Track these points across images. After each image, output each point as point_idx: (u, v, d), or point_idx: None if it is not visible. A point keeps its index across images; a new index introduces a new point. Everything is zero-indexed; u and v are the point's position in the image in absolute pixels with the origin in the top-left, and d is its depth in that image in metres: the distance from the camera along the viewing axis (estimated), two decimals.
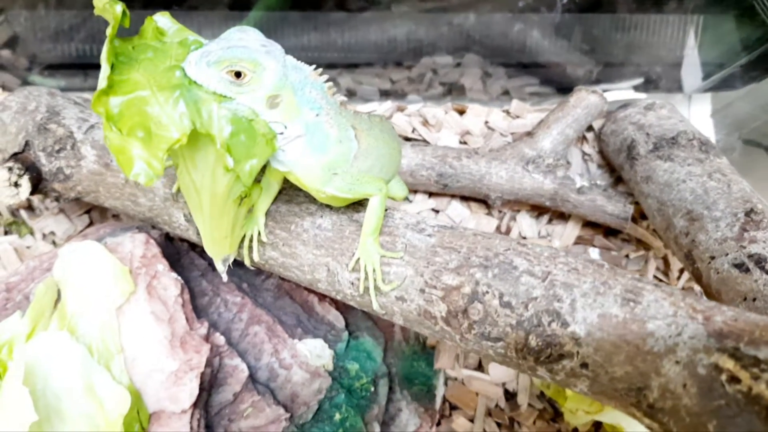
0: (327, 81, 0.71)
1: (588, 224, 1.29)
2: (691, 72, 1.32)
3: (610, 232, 1.29)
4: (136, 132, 0.61)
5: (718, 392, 0.54)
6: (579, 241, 1.29)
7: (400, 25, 1.27)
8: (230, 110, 0.63)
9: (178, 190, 0.87)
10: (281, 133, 0.67)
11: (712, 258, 0.94)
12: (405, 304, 0.73)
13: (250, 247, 0.83)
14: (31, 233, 1.15)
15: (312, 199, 0.81)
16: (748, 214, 0.94)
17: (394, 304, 0.73)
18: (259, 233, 0.81)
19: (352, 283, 0.76)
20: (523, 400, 1.18)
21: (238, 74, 0.62)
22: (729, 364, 0.54)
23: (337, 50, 1.27)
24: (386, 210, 0.79)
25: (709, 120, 1.36)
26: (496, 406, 1.18)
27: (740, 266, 0.89)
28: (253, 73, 0.63)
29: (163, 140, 0.61)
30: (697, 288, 1.16)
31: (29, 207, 1.16)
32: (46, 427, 0.78)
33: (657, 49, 1.29)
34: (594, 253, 1.28)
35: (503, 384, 1.18)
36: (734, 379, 0.53)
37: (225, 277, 0.83)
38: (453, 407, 1.17)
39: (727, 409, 0.53)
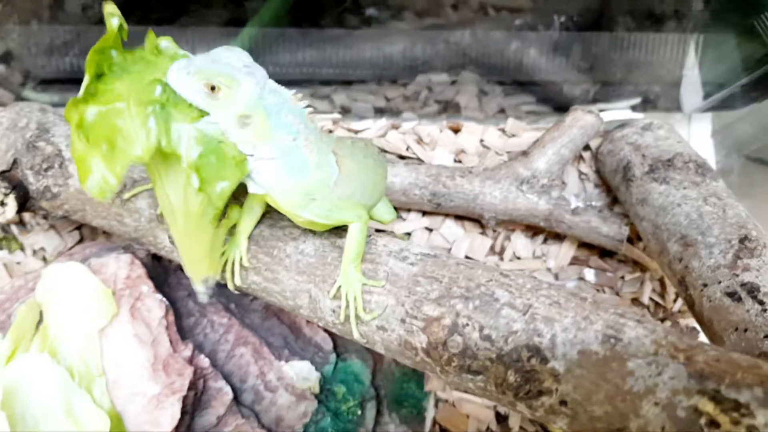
0: (307, 107, 0.70)
1: (583, 245, 1.27)
2: (691, 92, 1.31)
3: (605, 253, 1.28)
4: (100, 144, 0.61)
5: None
6: (574, 261, 1.27)
7: (395, 42, 1.26)
8: (200, 131, 0.63)
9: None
10: (251, 155, 0.66)
11: (705, 285, 0.92)
12: (386, 334, 0.71)
13: (233, 271, 0.82)
14: (22, 249, 1.14)
15: (295, 224, 0.80)
16: (742, 241, 0.93)
17: (375, 333, 0.72)
18: (241, 258, 0.81)
19: (333, 311, 0.75)
20: (514, 423, 1.17)
21: (213, 88, 0.63)
22: (709, 407, 0.53)
23: (332, 67, 1.26)
24: (369, 236, 0.78)
25: (709, 140, 1.34)
26: (488, 429, 1.16)
27: (732, 295, 0.87)
28: (228, 89, 0.63)
29: (125, 156, 0.61)
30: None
31: (20, 222, 1.16)
32: None
33: (656, 69, 1.28)
34: (589, 274, 1.27)
35: (495, 407, 1.17)
36: (714, 424, 0.52)
37: (205, 299, 0.82)
38: (443, 430, 1.15)
39: None
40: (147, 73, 0.64)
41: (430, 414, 1.14)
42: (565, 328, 0.62)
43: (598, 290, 1.27)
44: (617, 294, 1.25)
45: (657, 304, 1.26)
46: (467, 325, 0.66)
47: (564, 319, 0.63)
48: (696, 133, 1.35)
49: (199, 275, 0.79)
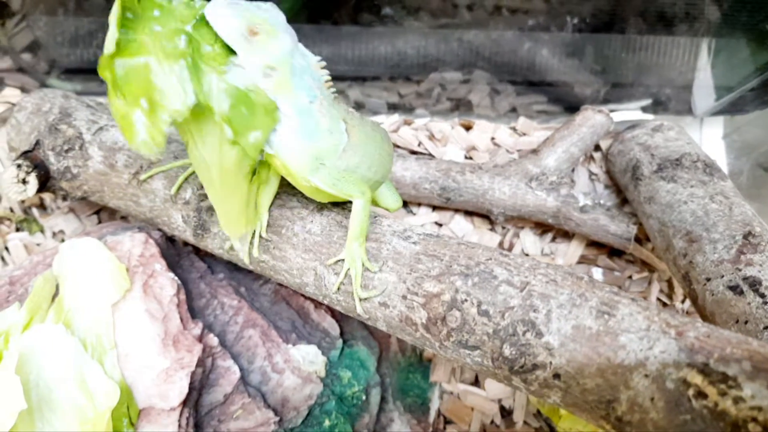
0: (327, 75, 0.73)
1: (592, 244, 1.28)
2: (702, 95, 1.32)
3: (614, 252, 1.29)
4: (139, 100, 0.61)
5: (685, 407, 0.54)
6: (582, 260, 1.28)
7: (410, 40, 1.29)
8: (229, 83, 0.64)
9: (177, 191, 0.89)
10: None
11: (708, 280, 0.93)
12: (387, 310, 0.73)
13: (252, 243, 0.84)
14: (42, 231, 1.18)
15: (304, 204, 0.82)
16: (746, 236, 0.94)
17: (377, 309, 0.74)
18: (261, 231, 0.82)
19: (339, 288, 0.77)
20: (518, 417, 1.18)
21: (253, 31, 0.64)
22: (697, 379, 0.54)
23: (347, 63, 1.29)
24: (375, 217, 0.80)
25: (720, 143, 1.35)
26: (492, 422, 1.17)
27: (734, 288, 0.88)
28: (266, 36, 0.65)
29: (166, 111, 0.61)
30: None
31: (41, 205, 1.19)
32: (37, 417, 0.80)
33: (667, 71, 1.29)
34: (597, 273, 1.28)
35: (499, 400, 1.18)
36: (701, 395, 0.53)
37: (246, 259, 0.83)
38: (447, 421, 1.16)
39: (692, 424, 0.53)
40: (164, 21, 0.64)
41: (434, 405, 1.15)
42: (561, 305, 0.64)
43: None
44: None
45: (664, 304, 1.26)
46: (466, 300, 0.67)
47: (560, 296, 0.64)
48: (707, 136, 1.35)
49: (237, 232, 0.79)
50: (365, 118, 0.83)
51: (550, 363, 0.62)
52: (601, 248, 1.29)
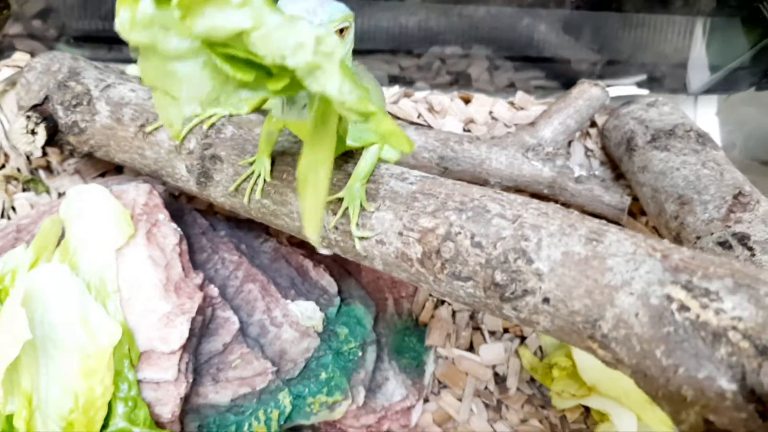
0: None
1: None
2: (697, 72, 1.34)
3: None
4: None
5: (668, 320, 0.56)
6: None
7: (411, 14, 1.32)
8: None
9: (182, 141, 0.91)
10: None
11: (698, 238, 0.95)
12: (384, 247, 0.76)
13: (253, 188, 0.86)
14: (47, 192, 1.20)
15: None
16: (735, 197, 0.96)
17: (375, 247, 0.77)
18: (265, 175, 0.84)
19: (336, 228, 0.79)
20: (512, 383, 1.19)
21: (341, 31, 0.61)
22: (680, 294, 0.56)
23: None
24: None
25: (713, 120, 1.38)
26: (486, 388, 1.19)
27: (724, 244, 0.90)
28: (351, 26, 0.63)
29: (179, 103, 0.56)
30: None
31: (47, 167, 1.22)
32: (41, 353, 0.82)
33: (662, 49, 1.32)
34: None
35: (493, 366, 1.20)
36: (684, 308, 0.55)
37: (326, 251, 0.83)
38: (442, 385, 1.18)
39: (675, 335, 0.55)
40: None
41: (429, 368, 1.17)
42: (551, 234, 0.66)
43: None
44: None
45: None
46: (459, 233, 0.70)
47: (550, 226, 0.67)
48: (701, 113, 1.38)
49: (317, 229, 0.73)
50: (359, 65, 0.85)
51: (540, 288, 0.64)
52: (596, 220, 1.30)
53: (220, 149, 0.90)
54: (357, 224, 0.76)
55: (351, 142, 0.75)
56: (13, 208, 1.18)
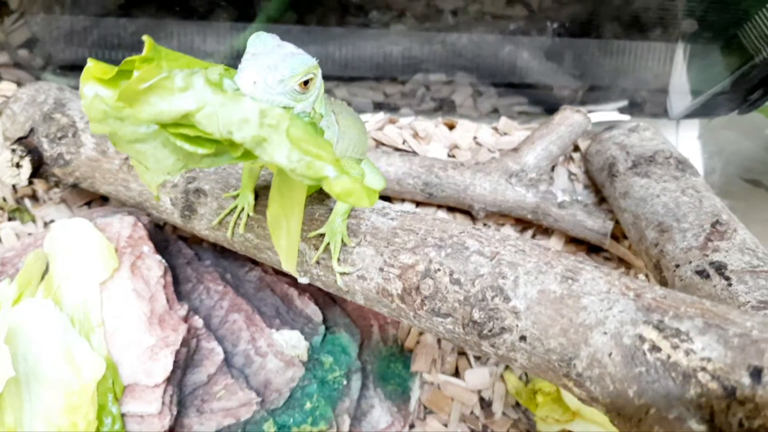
0: None
1: (571, 241, 1.32)
2: (677, 98, 1.36)
3: (592, 249, 1.32)
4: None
5: (640, 360, 0.57)
6: None
7: (396, 42, 1.33)
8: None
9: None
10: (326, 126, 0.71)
11: (677, 266, 0.96)
12: (365, 283, 0.76)
13: (237, 221, 0.86)
14: (33, 221, 1.20)
15: None
16: (713, 225, 0.97)
17: (356, 282, 0.77)
18: (248, 210, 0.85)
19: (318, 263, 0.80)
20: (497, 408, 1.20)
21: (306, 83, 0.61)
22: (652, 334, 0.58)
23: (334, 63, 1.33)
24: None
25: (696, 145, 1.40)
26: (471, 413, 1.20)
27: (701, 273, 0.92)
28: (315, 77, 0.62)
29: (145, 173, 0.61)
30: None
31: (33, 196, 1.22)
32: (24, 388, 0.83)
33: (643, 75, 1.34)
34: None
35: (479, 391, 1.20)
36: (655, 348, 0.57)
37: (306, 280, 0.83)
38: (428, 411, 1.19)
39: (646, 375, 0.56)
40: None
41: (415, 394, 1.17)
42: (528, 271, 0.67)
43: None
44: None
45: None
46: (438, 270, 0.71)
47: (527, 264, 0.68)
48: (683, 138, 1.40)
49: (294, 263, 0.73)
50: (338, 101, 0.86)
51: (517, 326, 0.65)
52: (580, 245, 1.32)
53: (204, 183, 0.90)
54: (338, 259, 0.77)
55: None
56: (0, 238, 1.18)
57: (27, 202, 1.22)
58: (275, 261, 0.87)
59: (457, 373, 1.21)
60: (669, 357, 0.55)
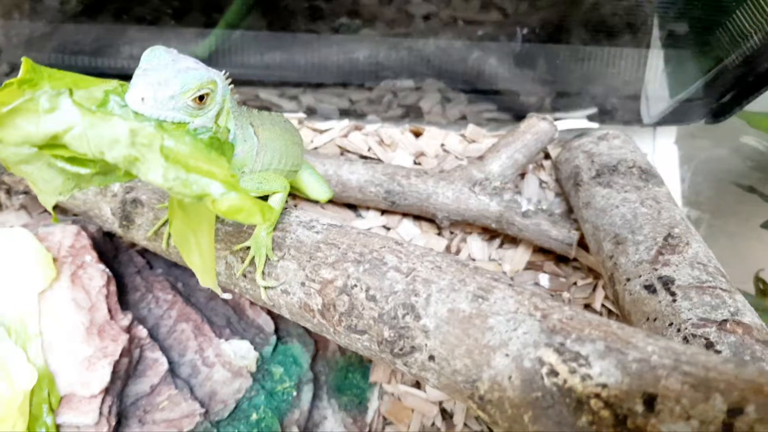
0: (230, 82, 0.73)
1: (539, 250, 1.29)
2: (650, 104, 1.33)
3: (561, 259, 1.30)
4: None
5: (537, 384, 0.55)
6: (530, 266, 1.29)
7: (362, 48, 1.32)
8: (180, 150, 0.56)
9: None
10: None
11: (628, 280, 0.94)
12: (288, 297, 0.75)
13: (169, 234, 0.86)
14: None
15: None
16: (666, 238, 0.95)
17: (280, 296, 0.76)
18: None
19: (245, 276, 0.79)
20: (459, 420, 1.18)
21: (201, 98, 0.60)
22: (552, 358, 0.56)
23: (300, 70, 1.32)
24: (286, 208, 0.82)
25: (673, 151, 1.37)
26: (432, 424, 1.18)
27: (649, 288, 0.89)
28: (213, 92, 0.62)
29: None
30: None
31: None
32: None
33: (614, 81, 1.31)
34: (544, 279, 1.29)
35: (440, 403, 1.18)
36: (553, 372, 0.55)
37: (228, 296, 0.82)
38: (387, 422, 1.17)
39: (542, 400, 0.54)
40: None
41: (373, 405, 1.16)
42: (441, 289, 0.65)
43: (552, 295, 1.28)
44: (570, 299, 1.27)
45: (610, 311, 1.27)
46: (355, 286, 0.69)
47: (441, 281, 0.66)
48: (660, 145, 1.37)
49: (213, 278, 0.72)
50: (263, 112, 0.84)
51: (426, 345, 0.63)
52: (549, 255, 1.30)
53: (141, 193, 0.90)
54: (263, 273, 0.76)
55: (253, 193, 0.75)
56: None
57: None
58: None
59: (418, 384, 1.19)
60: (565, 382, 0.54)
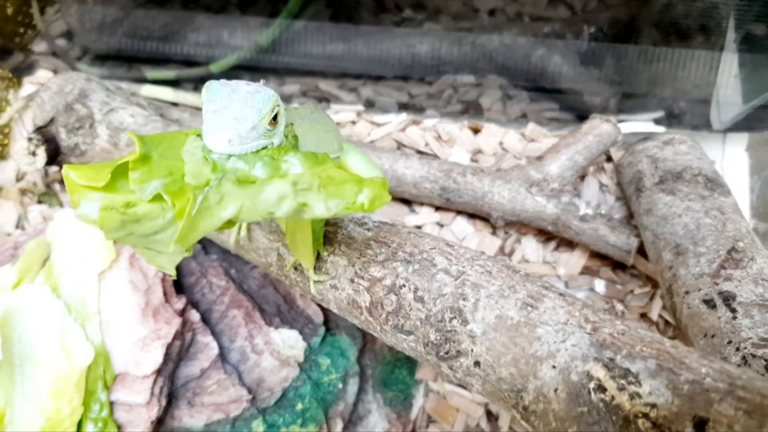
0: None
1: (596, 255, 1.26)
2: (721, 109, 1.28)
3: (619, 265, 1.26)
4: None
5: (584, 399, 0.54)
6: (585, 271, 1.26)
7: (425, 41, 1.31)
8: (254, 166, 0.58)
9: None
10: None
11: (687, 293, 0.91)
12: (337, 292, 0.76)
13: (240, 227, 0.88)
14: (60, 205, 1.25)
15: None
16: (729, 252, 0.91)
17: (329, 291, 0.77)
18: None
19: (296, 268, 0.79)
20: (504, 423, 1.17)
21: (274, 118, 0.61)
22: (600, 373, 0.54)
23: (361, 61, 1.32)
24: None
25: (741, 159, 1.31)
26: (477, 425, 1.17)
27: (709, 302, 0.86)
28: (281, 108, 0.62)
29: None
30: None
31: (62, 181, 1.27)
32: (17, 370, 0.86)
33: (683, 84, 1.27)
34: (599, 285, 1.26)
35: (486, 404, 1.17)
36: (601, 388, 0.53)
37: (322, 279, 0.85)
38: (431, 420, 1.17)
39: (588, 416, 0.53)
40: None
41: (418, 402, 1.16)
42: (490, 294, 0.64)
43: (607, 302, 1.25)
44: (625, 308, 1.24)
45: (667, 322, 1.23)
46: (404, 286, 0.69)
47: (491, 287, 0.65)
48: (730, 152, 1.32)
49: (312, 264, 0.77)
50: (290, 107, 0.83)
51: (472, 350, 0.63)
52: (605, 260, 1.26)
53: None
54: (314, 267, 0.77)
55: None
56: (27, 219, 1.23)
57: (56, 186, 1.27)
58: (261, 263, 0.87)
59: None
60: (613, 398, 0.52)
